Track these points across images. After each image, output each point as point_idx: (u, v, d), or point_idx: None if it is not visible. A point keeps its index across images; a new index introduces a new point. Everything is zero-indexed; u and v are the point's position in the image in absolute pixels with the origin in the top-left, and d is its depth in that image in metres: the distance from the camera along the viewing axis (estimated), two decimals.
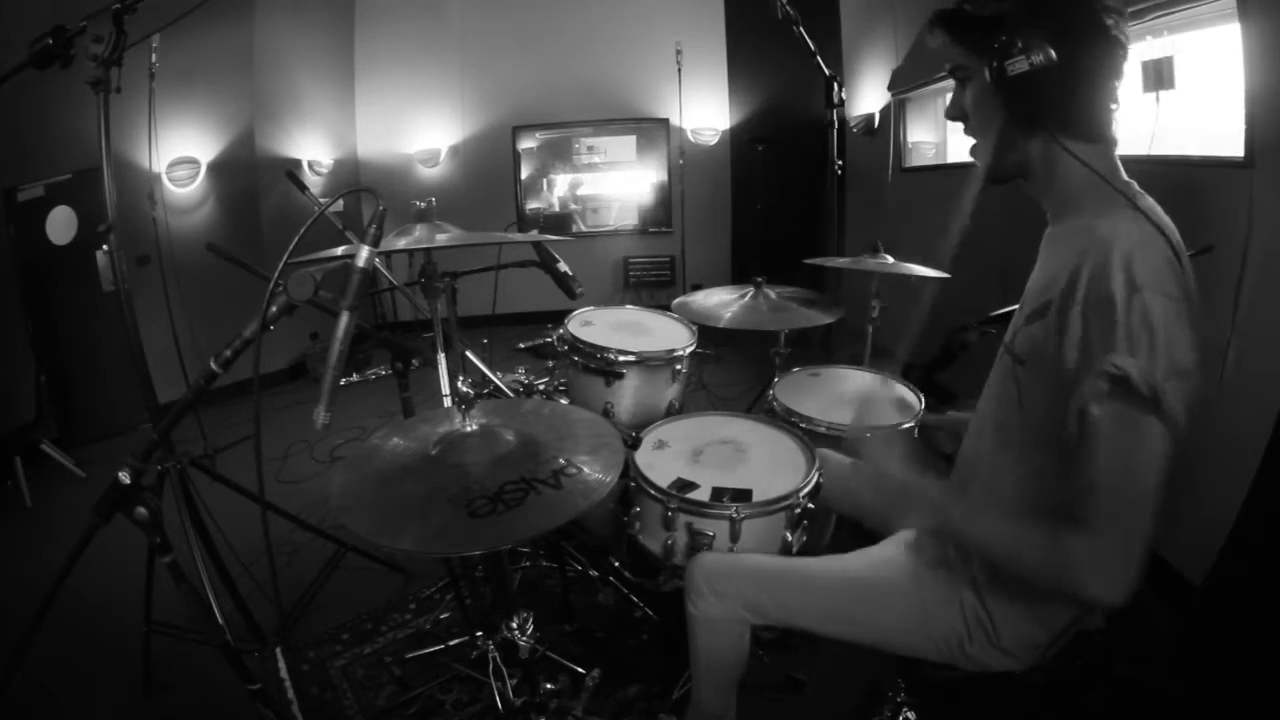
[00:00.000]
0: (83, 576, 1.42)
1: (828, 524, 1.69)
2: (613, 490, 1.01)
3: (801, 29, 2.25)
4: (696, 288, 2.40)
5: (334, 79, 5.35)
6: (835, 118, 2.44)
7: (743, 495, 1.36)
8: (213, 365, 1.02)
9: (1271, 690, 1.47)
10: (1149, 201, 0.90)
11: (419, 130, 5.65)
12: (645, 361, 1.81)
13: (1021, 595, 1.00)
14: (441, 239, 1.47)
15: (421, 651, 1.89)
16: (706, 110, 5.72)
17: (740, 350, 4.37)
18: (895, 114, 4.23)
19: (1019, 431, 0.97)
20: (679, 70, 5.13)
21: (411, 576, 2.27)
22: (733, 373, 4.24)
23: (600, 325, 2.01)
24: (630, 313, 2.20)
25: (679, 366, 1.87)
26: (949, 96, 1.02)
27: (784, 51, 2.58)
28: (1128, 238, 0.82)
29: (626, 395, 1.83)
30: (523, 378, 2.25)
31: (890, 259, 2.06)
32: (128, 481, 1.12)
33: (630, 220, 5.93)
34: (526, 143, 5.76)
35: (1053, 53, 0.84)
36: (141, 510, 1.14)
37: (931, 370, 2.19)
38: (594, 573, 2.05)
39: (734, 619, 1.20)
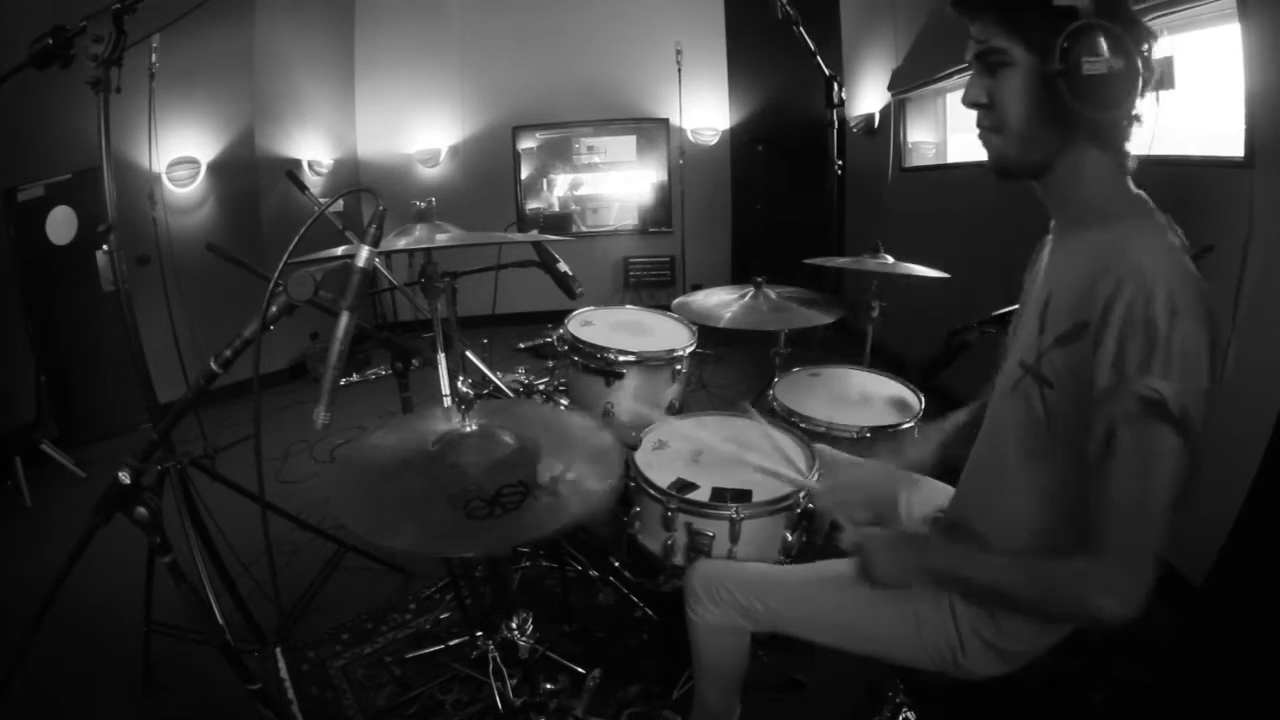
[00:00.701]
0: (83, 576, 1.42)
1: (827, 523, 1.69)
2: (611, 495, 1.01)
3: (801, 29, 2.25)
4: (696, 288, 2.40)
5: (334, 79, 5.35)
6: (835, 118, 2.44)
7: (742, 496, 1.36)
8: (213, 365, 1.02)
9: (1271, 690, 1.47)
10: (1164, 217, 0.88)
11: (419, 130, 5.65)
12: (645, 361, 1.81)
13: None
14: (441, 239, 1.47)
15: (421, 651, 1.89)
16: (706, 110, 5.72)
17: (740, 350, 4.37)
18: (895, 114, 4.23)
19: (1049, 454, 0.94)
20: (679, 70, 5.13)
21: (411, 576, 2.27)
22: (733, 373, 4.24)
23: (600, 325, 2.01)
24: (630, 313, 2.20)
25: (679, 366, 1.88)
26: (958, 91, 0.99)
27: (784, 51, 2.58)
28: (1166, 259, 0.81)
29: (626, 395, 1.83)
30: (523, 378, 2.25)
31: (890, 259, 2.06)
32: (128, 481, 1.13)
33: (630, 220, 5.93)
34: (526, 143, 5.76)
35: (1133, 57, 0.81)
36: (141, 510, 1.15)
37: (931, 370, 2.19)
38: (594, 573, 2.05)
39: (733, 625, 1.20)
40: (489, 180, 5.74)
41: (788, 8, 2.21)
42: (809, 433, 1.62)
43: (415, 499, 0.97)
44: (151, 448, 1.17)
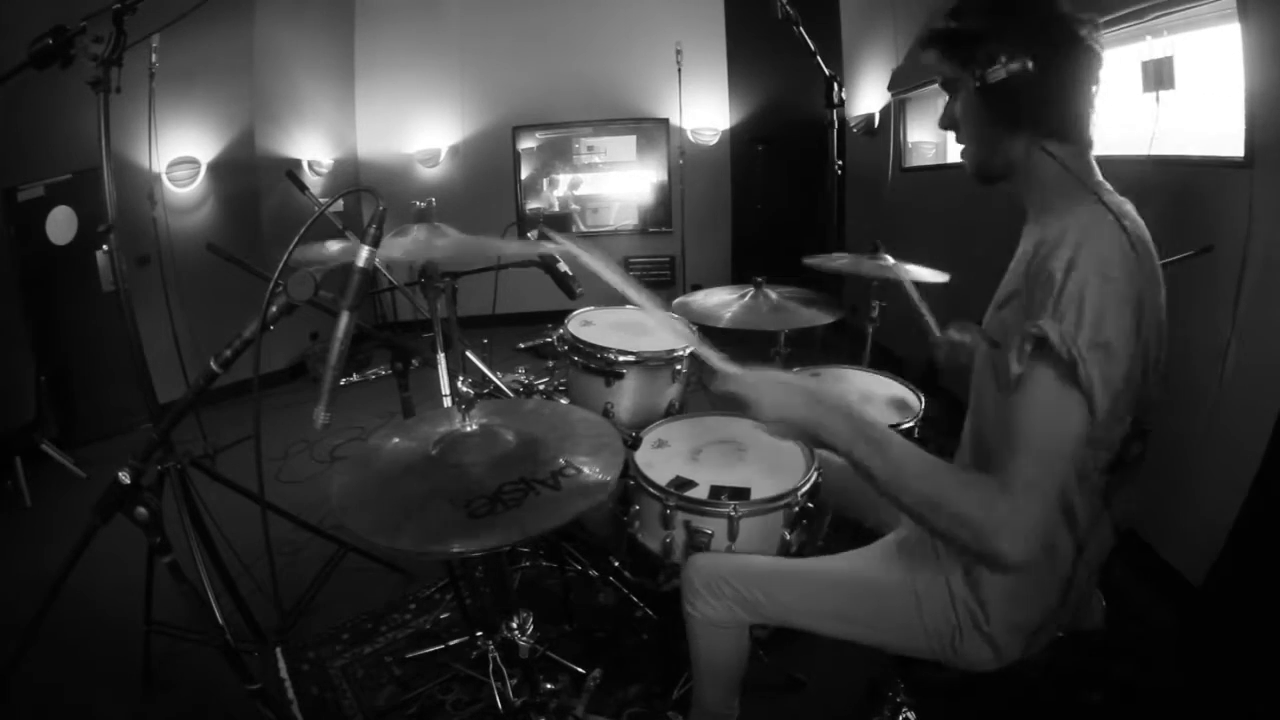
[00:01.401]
0: (83, 576, 1.42)
1: (824, 523, 1.69)
2: (612, 490, 1.01)
3: (801, 29, 2.24)
4: (696, 288, 2.40)
5: (334, 79, 5.35)
6: (835, 118, 2.43)
7: (741, 493, 1.37)
8: (213, 365, 1.02)
9: (1271, 690, 1.48)
10: (1116, 199, 0.94)
11: (419, 130, 5.65)
12: (645, 361, 1.81)
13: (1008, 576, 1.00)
14: (440, 244, 1.47)
15: (421, 651, 1.89)
16: (706, 110, 5.71)
17: (740, 350, 4.35)
18: (895, 114, 4.23)
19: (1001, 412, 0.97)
20: (679, 70, 5.12)
21: (411, 576, 2.27)
22: None
23: (600, 325, 2.01)
24: (630, 313, 2.19)
25: (679, 366, 1.88)
26: (941, 104, 1.06)
27: (784, 51, 2.57)
28: (1080, 226, 0.88)
29: (626, 395, 1.83)
30: (523, 378, 2.25)
31: (890, 259, 2.06)
32: (128, 481, 1.13)
33: (630, 220, 5.93)
34: (526, 143, 5.76)
35: (1029, 61, 0.90)
36: (141, 510, 1.15)
37: (930, 374, 2.19)
38: (594, 573, 2.05)
39: (731, 618, 1.20)
40: (489, 180, 5.74)
41: (788, 8, 2.21)
42: None
43: (416, 503, 0.97)
44: (151, 448, 1.17)
